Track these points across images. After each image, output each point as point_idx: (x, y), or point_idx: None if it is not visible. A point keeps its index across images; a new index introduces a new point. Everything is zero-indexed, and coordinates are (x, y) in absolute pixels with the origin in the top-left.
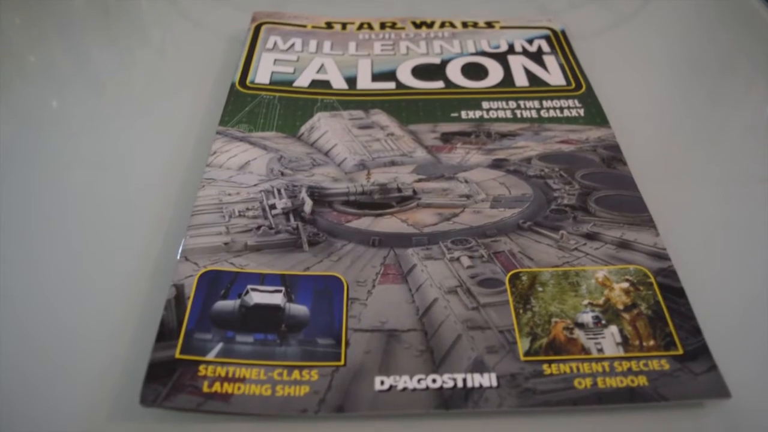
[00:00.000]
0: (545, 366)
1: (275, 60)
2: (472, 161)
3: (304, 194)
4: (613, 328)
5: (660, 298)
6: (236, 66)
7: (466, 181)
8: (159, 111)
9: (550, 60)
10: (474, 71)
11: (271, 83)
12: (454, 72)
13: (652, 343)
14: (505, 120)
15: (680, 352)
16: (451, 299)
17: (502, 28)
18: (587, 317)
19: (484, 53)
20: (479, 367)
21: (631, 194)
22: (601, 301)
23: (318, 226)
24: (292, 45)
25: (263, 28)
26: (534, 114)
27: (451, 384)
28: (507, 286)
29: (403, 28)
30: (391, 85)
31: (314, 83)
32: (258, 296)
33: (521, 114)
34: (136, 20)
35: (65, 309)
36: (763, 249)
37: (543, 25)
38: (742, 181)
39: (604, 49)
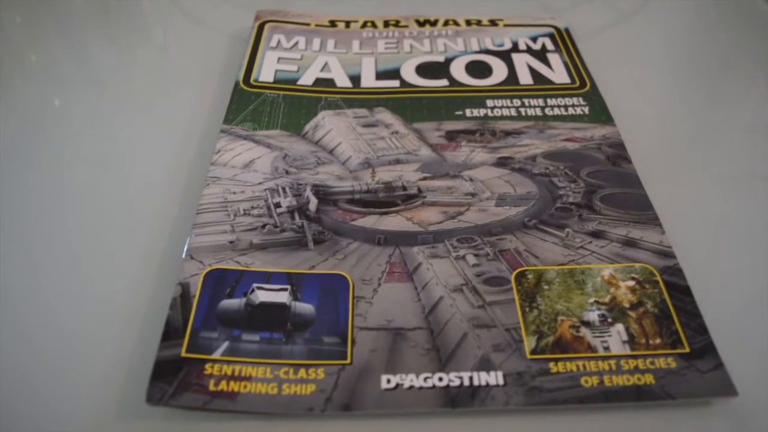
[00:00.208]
0: (552, 364)
1: (279, 58)
2: (477, 159)
3: (308, 192)
4: (620, 327)
5: (666, 296)
6: (240, 64)
7: (471, 180)
8: (162, 109)
9: (554, 58)
10: (478, 69)
11: (275, 81)
12: (458, 70)
13: (658, 341)
14: (510, 118)
15: (687, 350)
16: (457, 297)
17: (505, 26)
18: (593, 315)
19: (488, 51)
20: (485, 365)
21: (636, 192)
22: (607, 299)
23: (323, 225)
24: (296, 43)
25: (267, 26)
26: (539, 112)
27: (457, 382)
28: (513, 284)
29: (406, 26)
30: (396, 83)
31: (318, 81)
32: (264, 295)
33: (526, 112)
34: (138, 18)
35: (70, 309)
36: None
37: (547, 23)
38: (748, 178)
39: (609, 47)
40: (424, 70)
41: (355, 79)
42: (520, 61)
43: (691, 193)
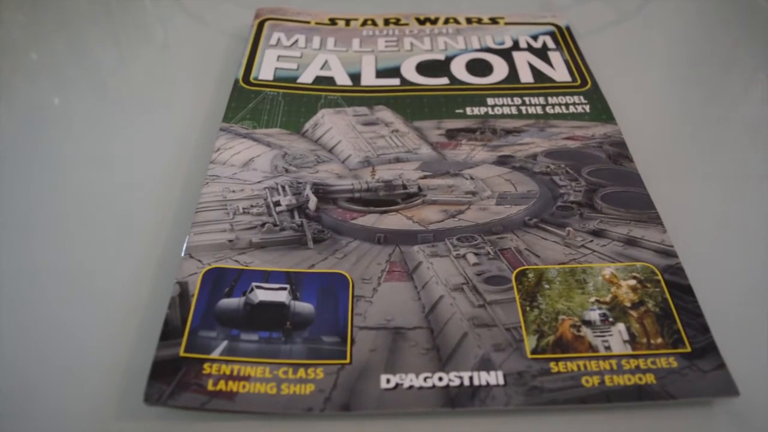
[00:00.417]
0: (552, 364)
1: (279, 56)
2: (478, 158)
3: (308, 191)
4: (621, 326)
5: (668, 295)
6: (240, 62)
7: (472, 178)
8: (162, 108)
9: (555, 56)
10: (479, 67)
11: (274, 80)
12: (458, 68)
13: (659, 340)
14: (510, 116)
15: (688, 349)
16: (457, 296)
17: (506, 24)
18: (594, 315)
19: (488, 49)
20: (486, 365)
21: (637, 191)
22: (608, 299)
23: (323, 223)
24: (296, 41)
25: (267, 24)
26: (539, 110)
27: (457, 382)
28: (513, 283)
29: (407, 24)
30: (396, 81)
31: (318, 80)
32: (263, 294)
33: (526, 110)
34: (139, 17)
35: (69, 307)
36: None
37: (548, 21)
38: (750, 177)
39: (610, 45)
40: (424, 68)
41: (356, 78)
42: (521, 59)
43: (692, 191)
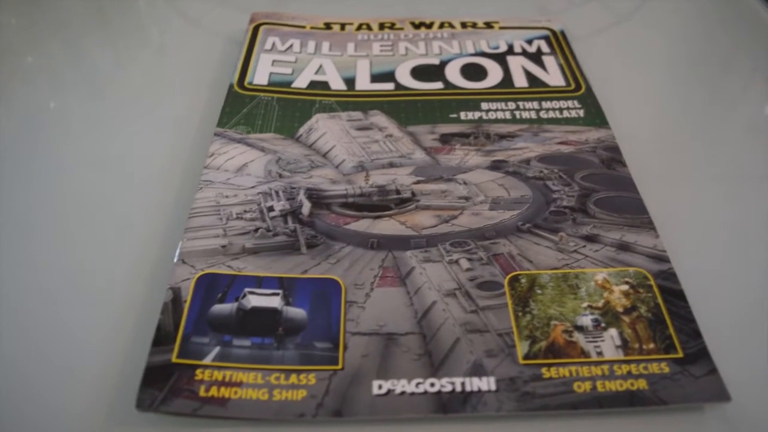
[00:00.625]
0: (544, 369)
1: (273, 61)
2: (471, 163)
3: (302, 196)
4: (613, 331)
5: (660, 300)
6: (234, 67)
7: (465, 183)
8: (156, 112)
9: (549, 60)
10: (473, 72)
11: (269, 84)
12: (453, 73)
13: (651, 346)
14: (504, 121)
15: (680, 355)
16: (450, 302)
17: (501, 28)
18: (587, 320)
19: (483, 54)
20: (478, 370)
21: (630, 196)
22: (600, 304)
23: (316, 229)
24: (291, 46)
25: (262, 28)
26: (533, 115)
27: (449, 388)
28: (506, 288)
29: (402, 29)
30: (390, 86)
31: (313, 84)
32: (255, 299)
33: (520, 115)
34: (134, 21)
35: (61, 312)
36: (763, 251)
37: (542, 25)
38: (742, 181)
39: (604, 49)
40: (419, 72)
41: (350, 82)
42: (516, 63)
43: (685, 196)
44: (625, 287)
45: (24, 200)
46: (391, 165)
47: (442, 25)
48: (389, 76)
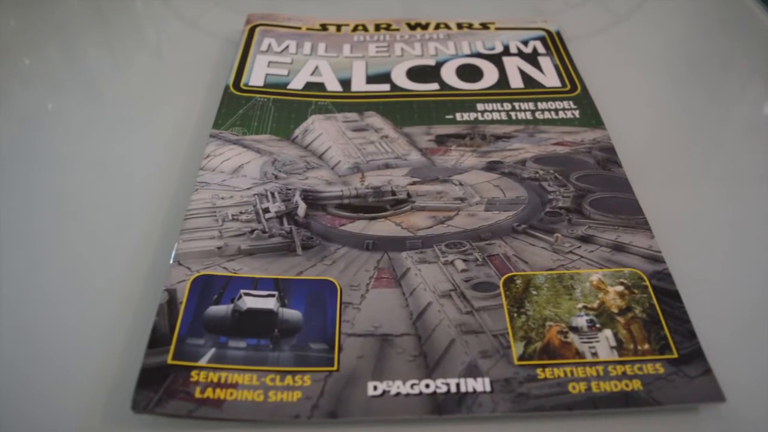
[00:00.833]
0: (539, 370)
1: (269, 62)
2: (467, 164)
3: (297, 198)
4: (608, 332)
5: (655, 301)
6: (230, 68)
7: (461, 184)
8: (152, 114)
9: (545, 61)
10: (469, 73)
11: (265, 86)
12: (448, 74)
13: (646, 346)
14: (500, 122)
15: (675, 355)
16: (445, 303)
17: (497, 29)
18: (582, 321)
19: (479, 55)
20: (473, 371)
21: (626, 196)
22: (595, 305)
23: (311, 230)
24: (287, 47)
25: (258, 30)
26: (529, 116)
27: (444, 389)
28: (501, 289)
29: (397, 30)
30: (386, 87)
31: (308, 85)
32: (251, 301)
33: (516, 116)
34: (131, 22)
35: (56, 314)
36: (758, 251)
37: (538, 26)
38: (738, 182)
39: (600, 50)
40: (414, 73)
41: (346, 83)
42: (511, 64)
43: (680, 197)
44: (620, 288)
45: (20, 202)
46: (387, 166)
47: (437, 26)
48: (385, 77)
